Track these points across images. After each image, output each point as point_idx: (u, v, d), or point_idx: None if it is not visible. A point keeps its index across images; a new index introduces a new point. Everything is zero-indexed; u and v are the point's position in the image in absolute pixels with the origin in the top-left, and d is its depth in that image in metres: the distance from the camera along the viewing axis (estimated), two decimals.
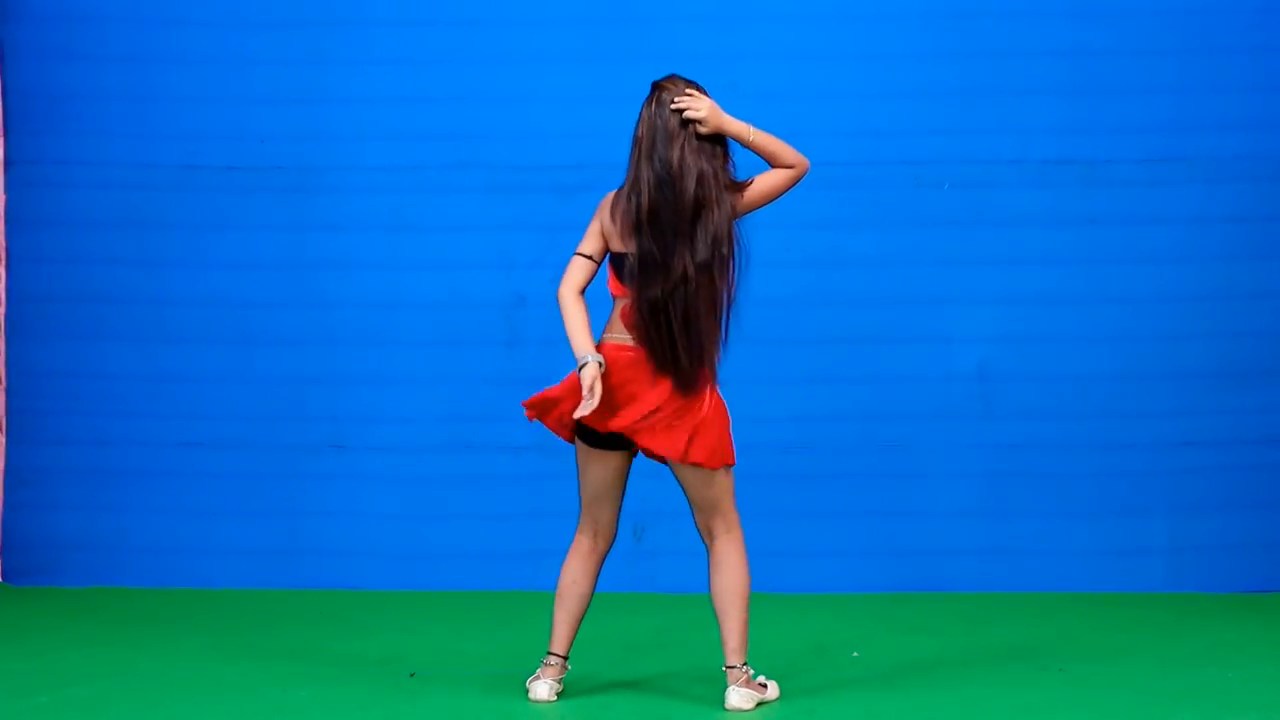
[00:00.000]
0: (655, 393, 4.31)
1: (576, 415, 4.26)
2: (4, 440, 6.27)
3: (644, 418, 4.30)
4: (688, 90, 4.32)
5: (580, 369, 4.28)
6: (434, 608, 5.87)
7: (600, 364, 4.29)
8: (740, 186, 4.34)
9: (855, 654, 5.09)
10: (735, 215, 4.33)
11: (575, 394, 4.33)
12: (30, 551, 6.24)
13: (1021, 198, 6.14)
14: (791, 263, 6.11)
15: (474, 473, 6.16)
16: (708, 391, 4.36)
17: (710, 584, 4.42)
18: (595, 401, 4.24)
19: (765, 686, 4.45)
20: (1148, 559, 6.11)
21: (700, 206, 4.26)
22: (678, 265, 4.26)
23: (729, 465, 4.39)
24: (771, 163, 4.37)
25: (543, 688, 4.45)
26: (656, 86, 4.35)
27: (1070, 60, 6.12)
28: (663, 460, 4.42)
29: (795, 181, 4.39)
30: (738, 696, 4.35)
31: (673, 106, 4.29)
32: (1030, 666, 4.89)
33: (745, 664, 4.39)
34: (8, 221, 6.25)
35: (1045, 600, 5.96)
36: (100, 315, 6.22)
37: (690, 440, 4.32)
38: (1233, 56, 6.10)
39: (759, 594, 5.88)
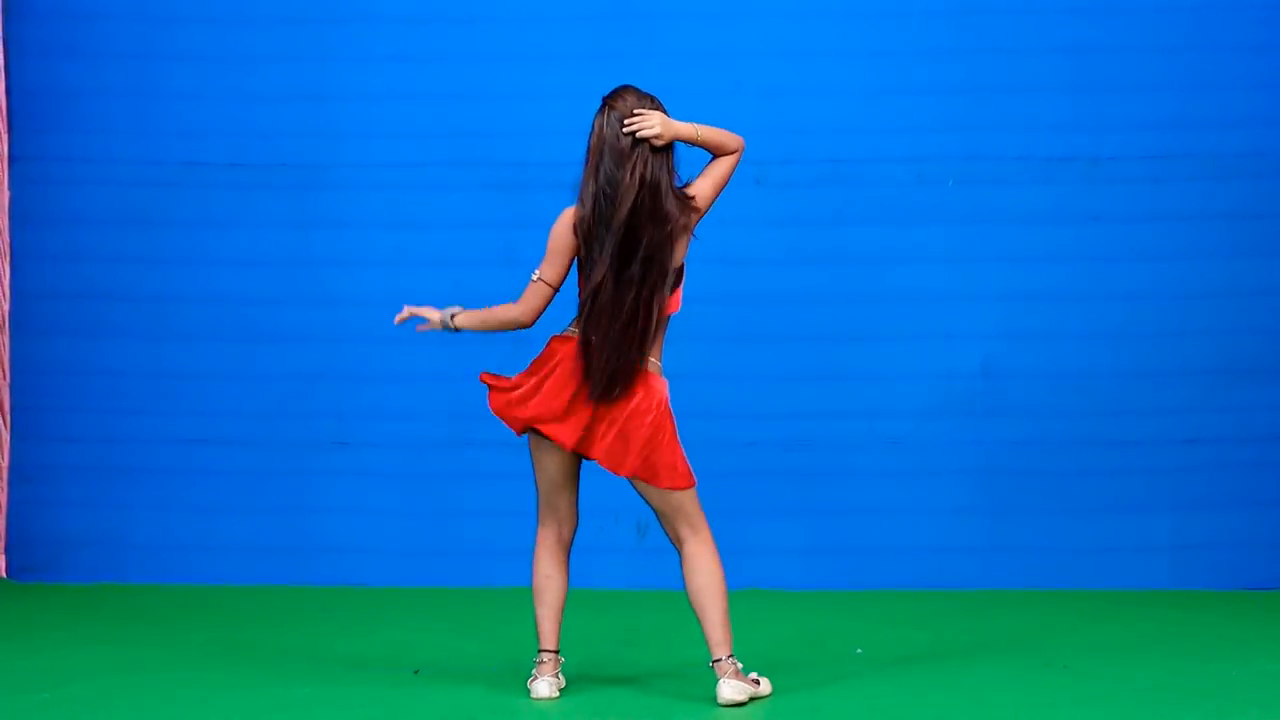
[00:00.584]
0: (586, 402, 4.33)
1: (397, 319, 4.50)
2: (8, 437, 6.28)
3: (584, 430, 4.32)
4: (637, 110, 4.31)
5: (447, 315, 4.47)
6: (437, 604, 5.87)
7: (448, 317, 4.52)
8: (690, 198, 4.33)
9: (858, 650, 5.09)
10: (693, 227, 4.33)
11: (531, 399, 4.35)
12: (34, 548, 6.25)
13: (1025, 195, 6.14)
14: (795, 260, 6.11)
15: (478, 469, 6.17)
16: (643, 399, 4.34)
17: (686, 586, 4.43)
18: (404, 314, 4.51)
19: (758, 682, 4.45)
20: (1152, 556, 6.11)
21: (648, 223, 4.27)
22: (609, 278, 4.27)
23: (684, 488, 4.38)
24: (718, 153, 4.38)
25: (544, 686, 4.45)
26: (607, 100, 4.35)
27: (1074, 57, 6.12)
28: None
29: (738, 163, 4.39)
30: (729, 689, 4.34)
31: (624, 130, 4.29)
32: (1034, 663, 4.89)
33: (731, 656, 4.38)
34: (12, 218, 6.26)
35: (1048, 597, 5.96)
36: (104, 312, 6.22)
37: (639, 456, 4.33)
38: (1236, 54, 6.10)
39: (762, 590, 5.89)
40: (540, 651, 4.48)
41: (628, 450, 4.34)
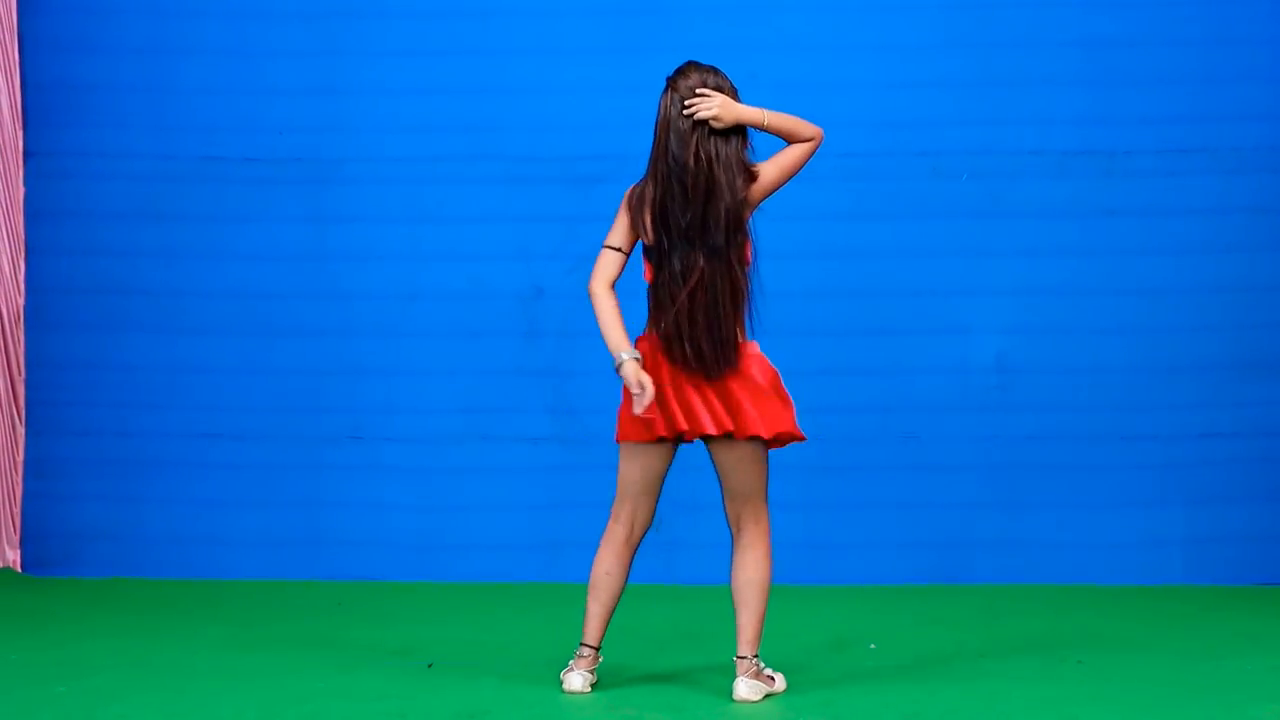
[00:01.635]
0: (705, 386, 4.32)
1: (636, 412, 4.25)
2: (24, 431, 6.29)
3: (692, 412, 4.30)
4: (700, 90, 4.29)
5: (618, 368, 4.26)
6: (452, 598, 5.87)
7: (638, 358, 4.26)
8: (754, 174, 4.33)
9: (872, 646, 5.09)
10: (753, 203, 4.33)
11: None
12: (50, 542, 6.27)
13: (1040, 189, 6.13)
14: (809, 254, 6.11)
15: (492, 464, 6.17)
16: (749, 363, 4.33)
17: (732, 574, 4.41)
18: (648, 394, 4.23)
19: (773, 679, 4.45)
20: (1166, 551, 6.10)
21: (711, 198, 4.27)
22: (693, 257, 4.27)
23: (794, 430, 4.35)
24: (790, 140, 4.37)
25: (577, 679, 4.44)
26: (670, 80, 4.34)
27: (1089, 51, 6.10)
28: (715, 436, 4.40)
29: (813, 153, 4.38)
30: (746, 688, 4.35)
31: (684, 111, 4.28)
32: (1048, 659, 4.88)
33: (756, 656, 4.38)
34: (27, 213, 6.27)
35: (1062, 592, 5.95)
36: (119, 307, 6.24)
37: (755, 412, 4.32)
38: (1252, 47, 6.08)
39: (776, 585, 5.86)
40: (582, 645, 4.47)
41: (743, 409, 4.30)
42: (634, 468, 4.42)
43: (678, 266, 4.27)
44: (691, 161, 4.26)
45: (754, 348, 4.36)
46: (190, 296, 6.23)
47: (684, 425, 4.32)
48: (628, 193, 4.37)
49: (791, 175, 4.38)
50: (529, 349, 6.19)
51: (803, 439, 4.40)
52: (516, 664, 4.80)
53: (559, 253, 6.10)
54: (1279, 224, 6.10)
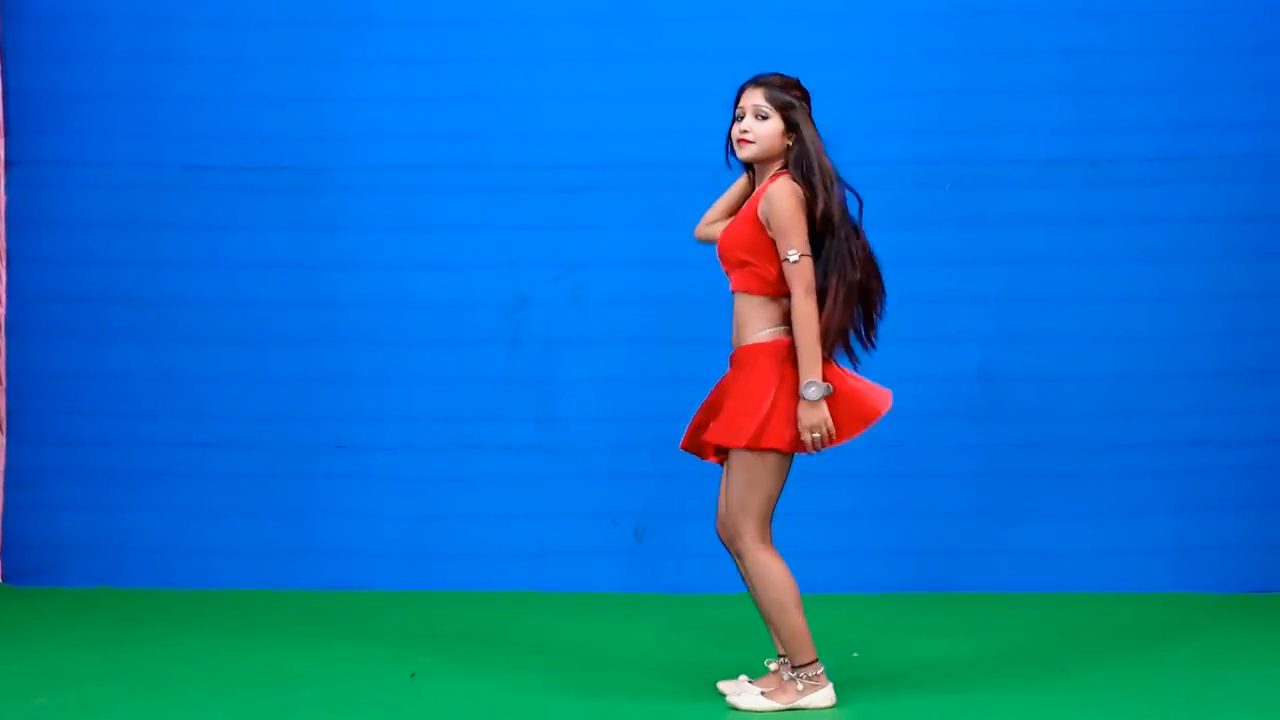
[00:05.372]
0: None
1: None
2: (5, 441, 6.27)
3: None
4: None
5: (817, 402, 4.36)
6: (439, 607, 5.86)
7: (815, 389, 4.40)
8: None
9: (855, 654, 5.09)
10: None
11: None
12: (32, 552, 6.24)
13: (1025, 197, 6.14)
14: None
15: (478, 473, 6.16)
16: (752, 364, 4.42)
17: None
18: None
19: (801, 692, 4.42)
20: (1151, 559, 6.11)
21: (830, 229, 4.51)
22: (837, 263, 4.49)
23: (761, 451, 4.38)
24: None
25: (832, 691, 4.46)
26: (807, 97, 4.60)
27: (1074, 59, 6.12)
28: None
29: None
30: (739, 695, 4.38)
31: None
32: (1034, 667, 4.89)
33: (787, 664, 4.41)
34: (8, 222, 6.25)
35: (1049, 600, 5.96)
36: (103, 315, 6.21)
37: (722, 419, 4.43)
38: (1237, 56, 6.10)
39: None
40: (815, 662, 4.45)
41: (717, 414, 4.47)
42: (779, 483, 4.46)
43: (834, 271, 4.47)
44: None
45: (772, 348, 4.42)
46: (174, 305, 6.21)
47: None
48: (803, 199, 4.46)
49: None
50: (514, 358, 6.18)
51: (759, 449, 4.39)
52: (503, 673, 4.79)
53: (545, 261, 6.09)
54: (1262, 232, 6.12)
